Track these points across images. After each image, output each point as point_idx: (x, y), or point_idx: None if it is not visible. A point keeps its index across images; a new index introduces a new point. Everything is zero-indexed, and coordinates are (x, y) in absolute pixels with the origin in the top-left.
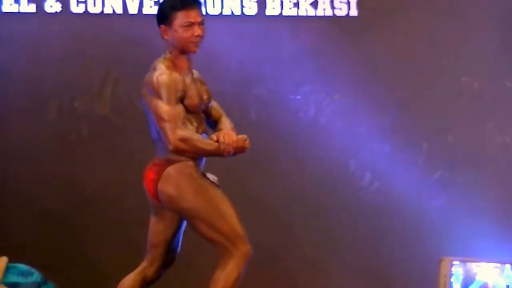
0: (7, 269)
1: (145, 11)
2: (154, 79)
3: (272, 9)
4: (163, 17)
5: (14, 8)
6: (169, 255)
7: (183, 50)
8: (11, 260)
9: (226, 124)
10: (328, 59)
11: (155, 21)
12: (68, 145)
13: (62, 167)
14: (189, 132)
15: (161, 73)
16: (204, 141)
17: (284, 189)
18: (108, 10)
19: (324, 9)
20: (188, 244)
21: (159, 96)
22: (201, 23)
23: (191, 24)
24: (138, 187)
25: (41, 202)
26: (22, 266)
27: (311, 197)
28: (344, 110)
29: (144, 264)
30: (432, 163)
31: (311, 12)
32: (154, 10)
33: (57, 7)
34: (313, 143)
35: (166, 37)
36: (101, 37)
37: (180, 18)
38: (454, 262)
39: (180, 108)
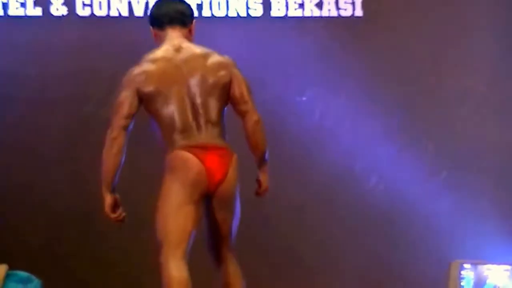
0: (7, 276)
1: None
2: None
3: (277, 10)
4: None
5: (20, 12)
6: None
7: None
8: (13, 264)
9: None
10: (333, 60)
11: None
12: (75, 150)
13: (69, 172)
14: None
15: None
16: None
17: (290, 192)
18: (114, 13)
19: (329, 10)
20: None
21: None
22: None
23: None
24: (144, 189)
25: (49, 206)
26: (22, 274)
27: (317, 199)
28: (350, 112)
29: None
30: (438, 164)
31: (316, 12)
32: None
33: (63, 10)
34: (318, 145)
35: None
36: (108, 40)
37: None
38: (465, 265)
39: None
